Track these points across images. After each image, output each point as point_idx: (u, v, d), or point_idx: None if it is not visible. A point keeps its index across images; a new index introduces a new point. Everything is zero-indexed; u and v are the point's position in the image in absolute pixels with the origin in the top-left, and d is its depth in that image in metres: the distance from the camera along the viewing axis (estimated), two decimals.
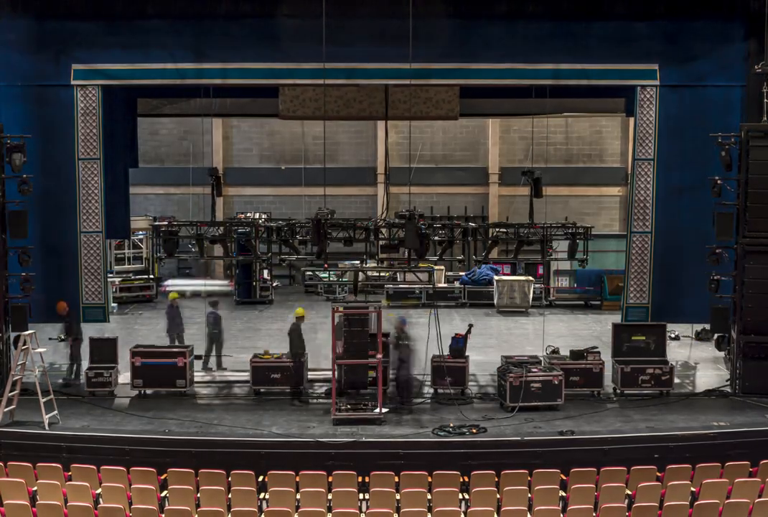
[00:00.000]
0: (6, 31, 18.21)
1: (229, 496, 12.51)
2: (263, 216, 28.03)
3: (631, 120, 20.53)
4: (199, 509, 11.91)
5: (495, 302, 27.75)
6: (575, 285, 29.05)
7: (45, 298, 18.27)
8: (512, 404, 16.90)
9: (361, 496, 12.82)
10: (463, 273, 29.49)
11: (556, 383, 17.22)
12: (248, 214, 30.64)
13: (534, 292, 27.80)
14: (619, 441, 15.36)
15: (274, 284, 29.84)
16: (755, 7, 17.79)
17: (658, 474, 13.34)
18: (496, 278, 28.28)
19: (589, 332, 24.65)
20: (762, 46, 17.67)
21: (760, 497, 12.40)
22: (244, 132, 33.62)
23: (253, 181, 33.26)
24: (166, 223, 20.29)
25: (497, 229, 19.98)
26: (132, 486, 12.71)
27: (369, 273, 30.81)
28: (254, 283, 29.13)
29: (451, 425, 15.97)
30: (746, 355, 17.78)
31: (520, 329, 25.28)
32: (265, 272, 29.49)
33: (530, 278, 28.28)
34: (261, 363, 18.18)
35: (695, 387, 18.80)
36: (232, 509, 11.87)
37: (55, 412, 15.98)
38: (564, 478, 13.32)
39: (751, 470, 13.50)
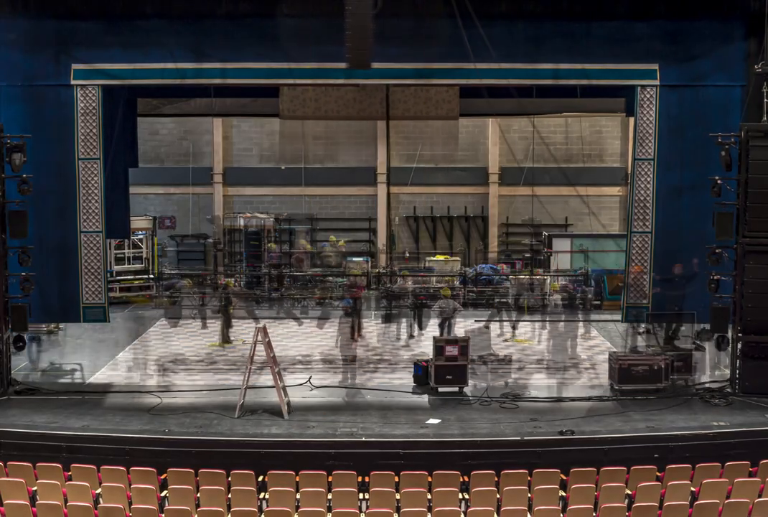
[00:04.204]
0: (6, 30, 18.19)
1: (229, 496, 12.50)
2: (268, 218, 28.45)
3: (631, 120, 20.52)
4: (199, 509, 11.91)
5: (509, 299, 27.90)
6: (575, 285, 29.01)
7: (43, 298, 18.33)
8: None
9: (361, 496, 12.81)
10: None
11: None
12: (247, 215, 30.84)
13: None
14: (619, 441, 15.34)
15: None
16: (755, 7, 17.78)
17: (658, 474, 13.34)
18: (511, 276, 28.40)
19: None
20: (762, 46, 17.68)
21: (760, 497, 12.39)
22: (244, 132, 33.62)
23: (253, 181, 33.28)
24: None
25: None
26: (132, 486, 12.71)
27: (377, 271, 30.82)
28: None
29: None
30: (746, 355, 17.78)
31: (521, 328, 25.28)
32: None
33: (545, 277, 28.34)
34: None
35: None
36: (232, 509, 11.87)
37: None
38: (564, 478, 13.32)
39: (751, 470, 13.49)
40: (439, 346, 18.24)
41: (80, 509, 11.72)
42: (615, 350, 20.49)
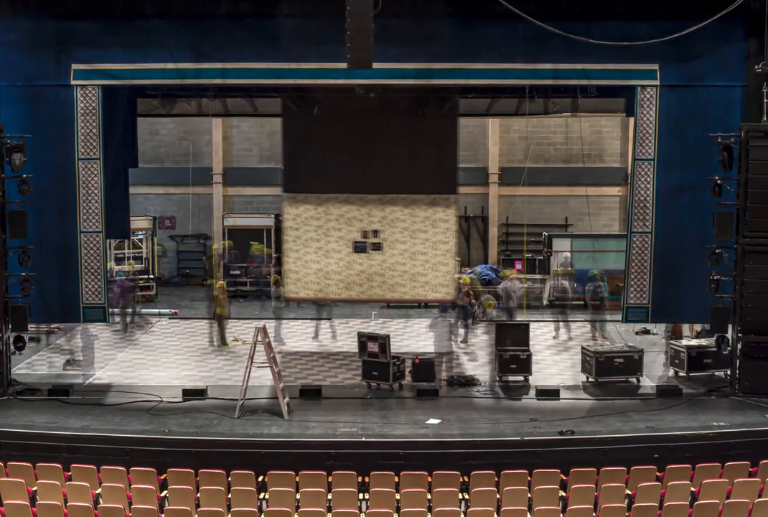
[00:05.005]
0: (6, 31, 18.19)
1: (229, 496, 12.50)
2: None
3: (631, 120, 20.51)
4: (199, 509, 11.91)
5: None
6: (575, 285, 28.99)
7: (43, 298, 18.32)
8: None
9: (361, 496, 12.82)
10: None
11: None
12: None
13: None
14: (619, 441, 15.35)
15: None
16: (755, 7, 17.78)
17: (658, 474, 13.34)
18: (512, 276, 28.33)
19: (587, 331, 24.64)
20: (762, 46, 17.67)
21: (760, 497, 12.40)
22: (244, 132, 33.60)
23: (253, 181, 33.25)
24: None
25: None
26: (132, 486, 12.71)
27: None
28: None
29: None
30: (746, 355, 17.78)
31: None
32: None
33: (545, 277, 28.30)
34: None
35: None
36: (232, 509, 11.87)
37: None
38: (564, 478, 13.32)
39: (751, 470, 13.50)
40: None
41: (80, 509, 11.72)
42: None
